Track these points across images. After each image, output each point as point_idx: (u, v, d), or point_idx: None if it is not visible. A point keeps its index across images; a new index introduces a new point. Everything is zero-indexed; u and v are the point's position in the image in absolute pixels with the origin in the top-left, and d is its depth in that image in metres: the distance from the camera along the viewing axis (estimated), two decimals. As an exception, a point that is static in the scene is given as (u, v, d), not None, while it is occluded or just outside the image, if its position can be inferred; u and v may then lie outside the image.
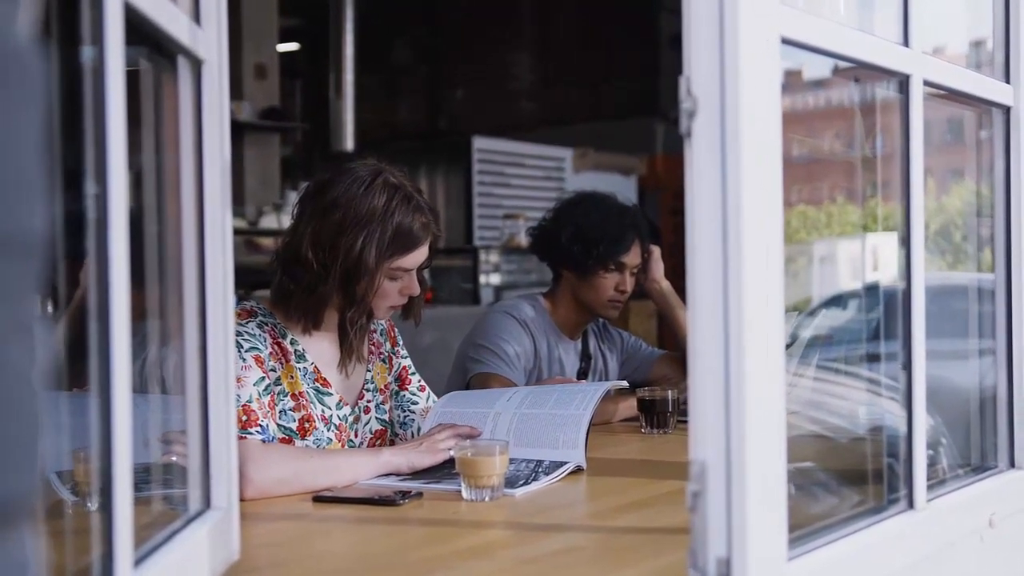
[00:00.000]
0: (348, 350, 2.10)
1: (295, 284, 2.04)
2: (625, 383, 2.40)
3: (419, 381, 2.33)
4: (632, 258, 2.91)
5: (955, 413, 1.92)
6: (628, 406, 2.69)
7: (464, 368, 2.86)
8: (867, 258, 1.89)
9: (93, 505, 1.48)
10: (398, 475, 1.94)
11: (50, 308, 1.66)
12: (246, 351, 1.97)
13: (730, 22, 1.13)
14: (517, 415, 2.09)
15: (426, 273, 2.18)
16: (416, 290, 2.11)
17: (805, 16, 1.28)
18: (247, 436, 1.86)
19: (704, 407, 1.15)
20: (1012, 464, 1.81)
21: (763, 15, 1.17)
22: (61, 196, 1.03)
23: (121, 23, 0.98)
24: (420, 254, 2.08)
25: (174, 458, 1.38)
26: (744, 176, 1.13)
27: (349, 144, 7.54)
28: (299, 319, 2.07)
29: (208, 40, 1.31)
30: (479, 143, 7.57)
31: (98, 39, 0.96)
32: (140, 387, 1.40)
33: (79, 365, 1.06)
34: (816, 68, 1.51)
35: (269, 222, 6.75)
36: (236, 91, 6.55)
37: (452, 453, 1.89)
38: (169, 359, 1.39)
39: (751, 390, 1.14)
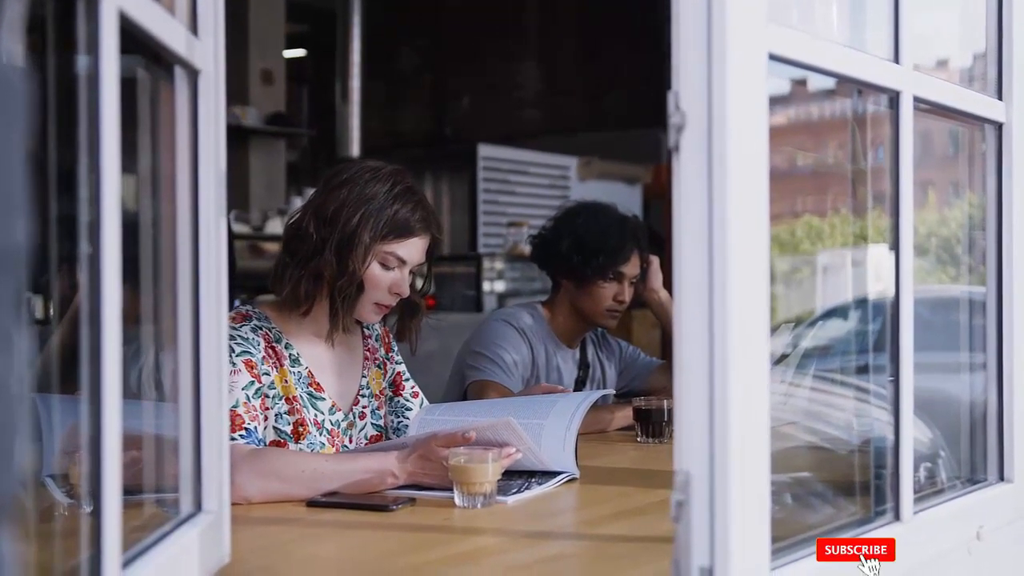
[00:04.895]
0: (335, 321, 2.11)
1: (291, 257, 2.07)
2: (612, 391, 2.41)
3: (412, 387, 2.35)
4: (631, 268, 2.92)
5: (946, 425, 1.93)
6: (624, 415, 2.70)
7: (462, 375, 2.88)
8: (868, 269, 1.90)
9: (88, 507, 1.49)
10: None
11: (51, 312, 1.68)
12: (237, 355, 1.98)
13: (718, 37, 1.14)
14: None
15: (431, 286, 2.19)
16: (405, 290, 2.12)
17: (793, 32, 1.29)
18: (231, 441, 1.87)
19: (689, 417, 1.16)
20: (1001, 477, 1.82)
21: (751, 31, 1.18)
22: (59, 201, 1.05)
23: (116, 33, 1.00)
24: (414, 247, 2.10)
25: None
26: (730, 190, 1.14)
27: (355, 150, 7.57)
28: (291, 298, 2.07)
29: (205, 50, 1.32)
30: (484, 151, 7.59)
31: (93, 49, 0.98)
32: (140, 394, 1.41)
33: (78, 370, 1.08)
34: (820, 79, 1.52)
35: (274, 227, 6.75)
36: (242, 96, 6.58)
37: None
38: (165, 364, 1.40)
39: (735, 401, 1.15)
